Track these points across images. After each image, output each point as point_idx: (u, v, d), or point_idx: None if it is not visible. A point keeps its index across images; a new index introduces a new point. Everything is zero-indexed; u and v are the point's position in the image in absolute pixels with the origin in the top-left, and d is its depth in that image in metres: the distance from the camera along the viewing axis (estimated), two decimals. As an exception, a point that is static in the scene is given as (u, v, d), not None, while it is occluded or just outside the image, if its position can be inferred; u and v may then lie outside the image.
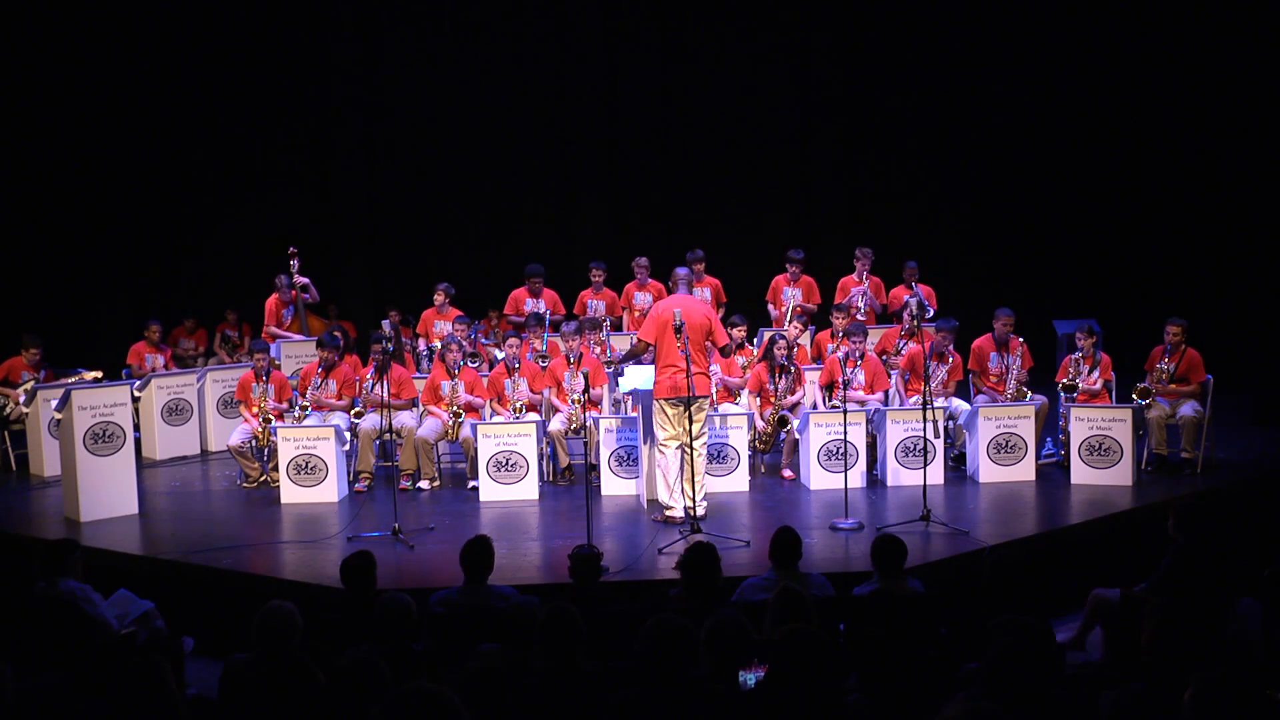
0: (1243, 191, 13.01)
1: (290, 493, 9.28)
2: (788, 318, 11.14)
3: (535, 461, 9.34)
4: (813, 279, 11.95)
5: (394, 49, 14.80)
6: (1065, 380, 9.72)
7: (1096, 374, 9.72)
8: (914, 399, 9.69)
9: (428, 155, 14.85)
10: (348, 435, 9.66)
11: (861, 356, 9.87)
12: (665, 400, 8.33)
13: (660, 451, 8.44)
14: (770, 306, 11.93)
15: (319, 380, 9.95)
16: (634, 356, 8.64)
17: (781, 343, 9.86)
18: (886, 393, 10.00)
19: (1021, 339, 9.85)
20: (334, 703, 3.99)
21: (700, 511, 8.24)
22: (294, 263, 11.81)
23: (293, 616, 4.90)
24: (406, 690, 3.11)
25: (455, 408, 9.71)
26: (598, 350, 10.56)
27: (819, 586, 6.05)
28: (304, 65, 14.57)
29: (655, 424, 8.46)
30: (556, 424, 9.71)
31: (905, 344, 10.49)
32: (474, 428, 9.43)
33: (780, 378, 9.82)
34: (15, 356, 10.86)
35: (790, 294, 11.73)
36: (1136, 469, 9.27)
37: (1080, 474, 9.28)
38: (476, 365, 10.55)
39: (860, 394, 9.78)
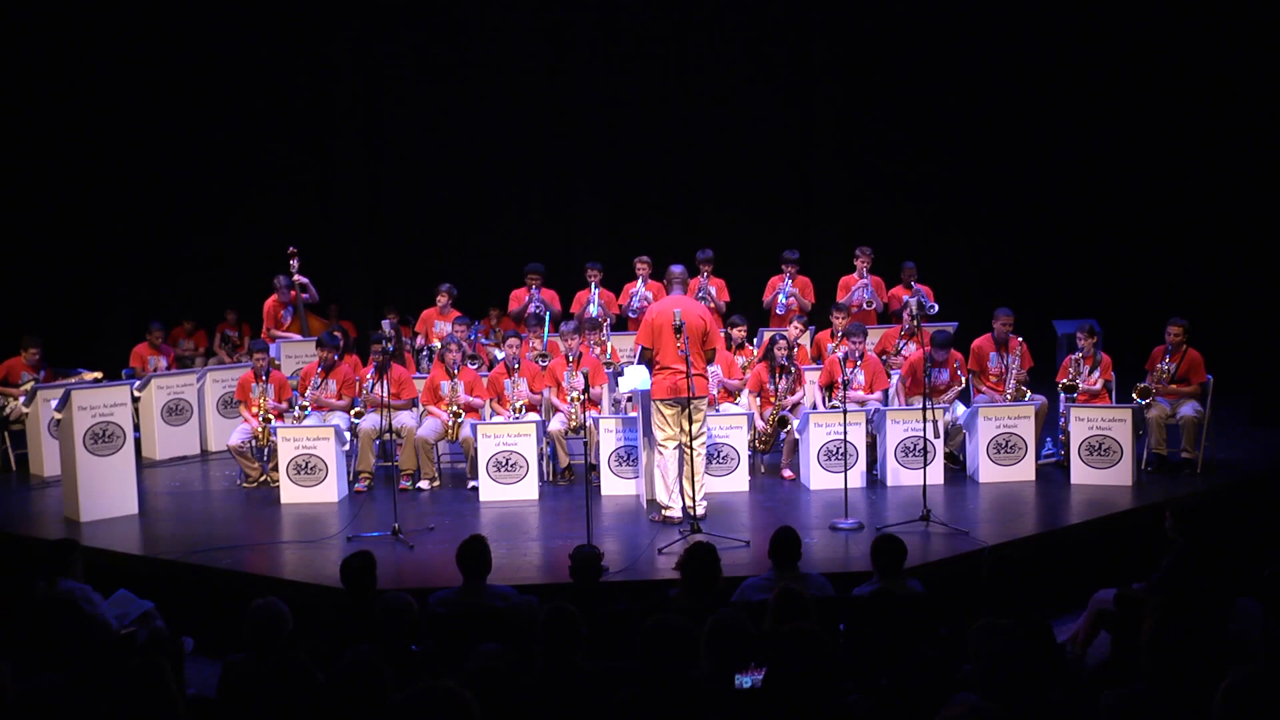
0: (1243, 191, 13.01)
1: (290, 493, 9.28)
2: (781, 302, 11.16)
3: (535, 461, 9.33)
4: (808, 279, 11.96)
5: (393, 49, 14.80)
6: (1065, 380, 9.72)
7: (1096, 374, 9.72)
8: (913, 400, 9.69)
9: (427, 156, 14.85)
10: (348, 435, 9.66)
11: (861, 356, 9.87)
12: (662, 401, 8.32)
13: (659, 452, 8.43)
14: (767, 302, 11.94)
15: (319, 380, 9.95)
16: (647, 362, 8.38)
17: (782, 343, 9.86)
18: (886, 392, 10.00)
19: (1020, 339, 9.85)
20: (333, 703, 3.99)
21: (700, 511, 8.24)
22: (293, 263, 11.80)
23: (282, 612, 4.90)
24: (425, 688, 3.12)
25: (455, 408, 9.71)
26: (597, 350, 10.57)
27: (819, 586, 6.05)
28: (304, 66, 14.57)
29: (653, 425, 8.45)
30: (556, 424, 9.71)
31: (905, 344, 10.49)
32: (474, 428, 9.43)
33: (781, 378, 9.82)
34: (15, 357, 10.86)
35: (784, 288, 11.74)
36: (1136, 469, 9.27)
37: (1080, 474, 9.28)
38: (476, 366, 10.56)
39: (860, 394, 9.78)
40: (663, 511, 8.45)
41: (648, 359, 8.36)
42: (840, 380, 9.36)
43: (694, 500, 8.23)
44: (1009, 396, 9.68)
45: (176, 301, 13.75)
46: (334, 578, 6.58)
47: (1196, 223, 13.29)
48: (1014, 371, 9.77)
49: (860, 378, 9.84)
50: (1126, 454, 9.15)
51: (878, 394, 9.86)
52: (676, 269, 8.78)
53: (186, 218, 14.36)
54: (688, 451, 8.32)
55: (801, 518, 8.59)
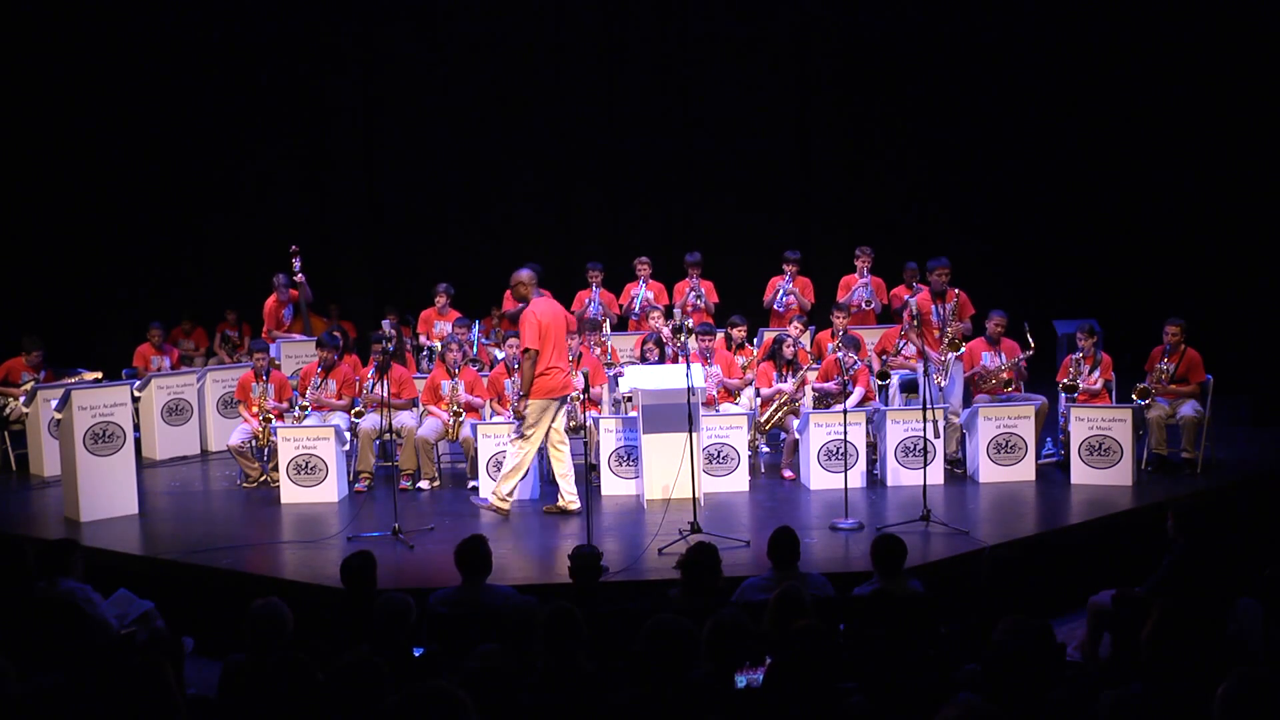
0: (1242, 191, 13.01)
1: (290, 493, 9.28)
2: (780, 300, 11.15)
3: (535, 461, 9.34)
4: (808, 279, 11.97)
5: (394, 49, 14.80)
6: (1066, 380, 9.72)
7: (1096, 374, 9.72)
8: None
9: (427, 155, 14.85)
10: (348, 435, 9.66)
11: (855, 366, 9.81)
12: (545, 400, 8.50)
13: (522, 446, 8.58)
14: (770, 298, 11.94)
15: (319, 380, 9.95)
16: (533, 366, 8.46)
17: (789, 341, 9.88)
18: (887, 391, 10.00)
19: (958, 290, 9.92)
20: (333, 703, 3.99)
21: (575, 506, 8.66)
22: (296, 261, 11.79)
23: (282, 612, 4.91)
24: (419, 689, 3.12)
25: (455, 407, 9.72)
26: (598, 350, 10.57)
27: (819, 586, 6.06)
28: (304, 65, 14.56)
29: (529, 422, 8.54)
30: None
31: (905, 344, 10.49)
32: (474, 428, 9.43)
33: (787, 376, 9.82)
34: (15, 357, 10.86)
35: (784, 286, 11.76)
36: (1136, 469, 9.27)
37: (1080, 474, 9.28)
38: (477, 368, 10.56)
39: (858, 392, 9.78)
40: (494, 501, 8.69)
41: (533, 361, 8.44)
42: (838, 381, 9.38)
43: (572, 494, 8.68)
44: (944, 346, 9.68)
45: (176, 301, 13.75)
46: (334, 578, 6.58)
47: (1196, 222, 13.28)
48: (950, 321, 9.82)
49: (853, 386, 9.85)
50: (1126, 454, 9.15)
51: (858, 395, 9.82)
52: (525, 271, 8.75)
53: (186, 217, 14.35)
54: (554, 449, 8.67)
55: (801, 518, 8.59)
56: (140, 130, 14.04)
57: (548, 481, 9.71)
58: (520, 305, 8.86)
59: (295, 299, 11.95)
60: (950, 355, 9.71)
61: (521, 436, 8.58)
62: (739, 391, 10.13)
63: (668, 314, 11.43)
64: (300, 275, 11.84)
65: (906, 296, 10.96)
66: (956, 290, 10.05)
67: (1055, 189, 14.29)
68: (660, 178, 14.91)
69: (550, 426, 8.64)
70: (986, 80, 14.22)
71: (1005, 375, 9.73)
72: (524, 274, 8.72)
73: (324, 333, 10.42)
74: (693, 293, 11.75)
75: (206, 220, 14.43)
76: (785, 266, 11.80)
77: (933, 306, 9.94)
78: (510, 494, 8.71)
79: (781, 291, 11.75)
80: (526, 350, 8.44)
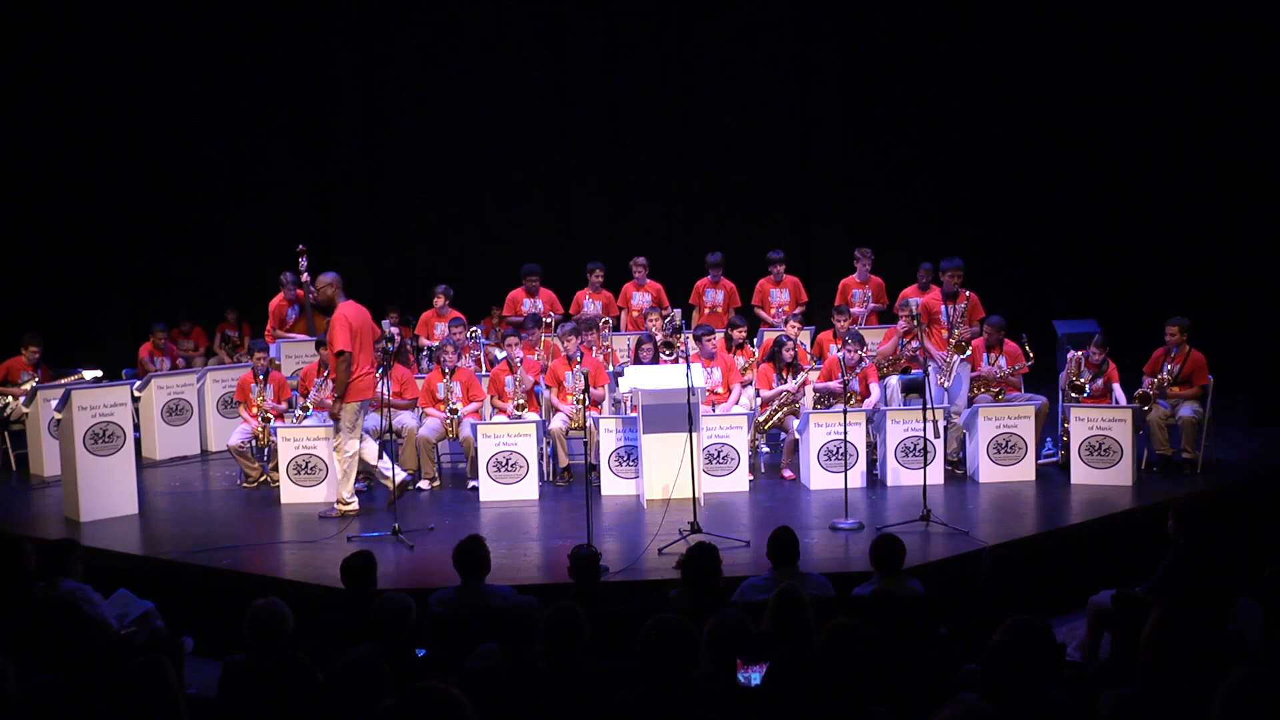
0: (1243, 191, 13.01)
1: (290, 493, 9.28)
2: (783, 322, 11.12)
3: (535, 461, 9.34)
4: (797, 277, 11.97)
5: (394, 49, 14.80)
6: (1074, 379, 9.70)
7: (1100, 381, 9.70)
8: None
9: (428, 155, 14.84)
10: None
11: (859, 362, 9.80)
12: (361, 402, 8.67)
13: (346, 450, 8.67)
14: (759, 310, 11.93)
15: (321, 381, 9.93)
16: (348, 369, 8.55)
17: (789, 344, 9.88)
18: (886, 390, 10.00)
19: (968, 291, 9.96)
20: (333, 703, 3.99)
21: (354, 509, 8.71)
22: (302, 260, 11.76)
23: (283, 612, 4.91)
24: (416, 689, 3.12)
25: (453, 404, 9.73)
26: (597, 350, 10.57)
27: (819, 586, 6.06)
28: (304, 66, 14.57)
29: (346, 425, 8.64)
30: (557, 423, 9.71)
31: (906, 343, 10.49)
32: (474, 428, 9.43)
33: (788, 378, 9.82)
34: (15, 356, 10.86)
35: (777, 295, 11.77)
36: (1136, 469, 9.27)
37: (1080, 474, 9.28)
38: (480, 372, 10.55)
39: (876, 391, 9.79)
40: (339, 507, 8.72)
41: (349, 364, 8.54)
42: (841, 380, 9.39)
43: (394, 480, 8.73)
44: (950, 346, 9.68)
45: (176, 301, 13.73)
46: (334, 578, 6.58)
47: (1196, 222, 13.29)
48: (959, 323, 9.81)
49: (855, 384, 9.84)
50: (1126, 454, 9.15)
51: (876, 395, 9.84)
52: (330, 275, 8.91)
53: (187, 217, 14.34)
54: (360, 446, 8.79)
55: (801, 518, 8.59)
56: (141, 130, 14.04)
57: (547, 481, 9.74)
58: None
59: (301, 298, 11.94)
60: (956, 357, 9.69)
61: (340, 444, 8.71)
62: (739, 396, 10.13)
63: (686, 313, 11.45)
64: (306, 275, 11.81)
65: (910, 298, 10.94)
66: (968, 292, 10.03)
67: (1056, 189, 14.29)
68: (660, 178, 14.90)
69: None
70: (987, 80, 14.22)
71: (997, 385, 9.74)
72: (329, 277, 8.89)
73: (324, 332, 10.40)
74: (709, 294, 11.83)
75: (207, 220, 14.42)
76: (771, 268, 11.81)
77: (943, 306, 9.93)
78: (352, 496, 8.79)
79: (778, 303, 11.71)
80: (341, 353, 8.51)
